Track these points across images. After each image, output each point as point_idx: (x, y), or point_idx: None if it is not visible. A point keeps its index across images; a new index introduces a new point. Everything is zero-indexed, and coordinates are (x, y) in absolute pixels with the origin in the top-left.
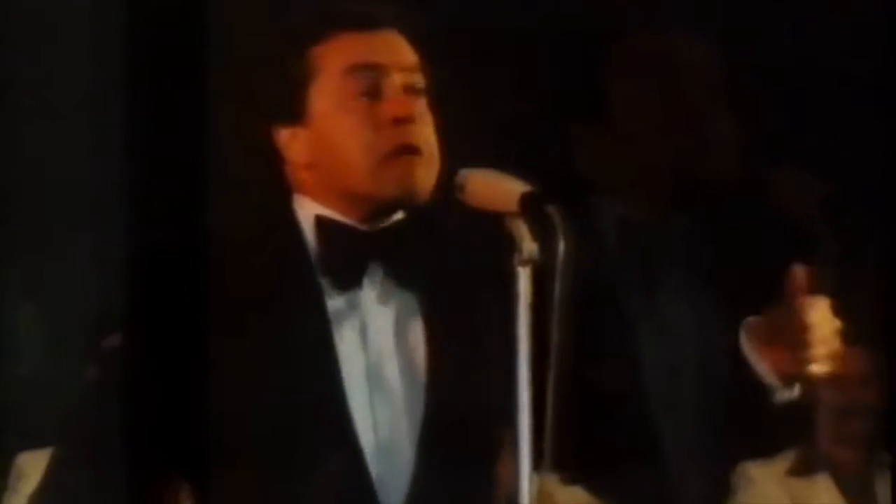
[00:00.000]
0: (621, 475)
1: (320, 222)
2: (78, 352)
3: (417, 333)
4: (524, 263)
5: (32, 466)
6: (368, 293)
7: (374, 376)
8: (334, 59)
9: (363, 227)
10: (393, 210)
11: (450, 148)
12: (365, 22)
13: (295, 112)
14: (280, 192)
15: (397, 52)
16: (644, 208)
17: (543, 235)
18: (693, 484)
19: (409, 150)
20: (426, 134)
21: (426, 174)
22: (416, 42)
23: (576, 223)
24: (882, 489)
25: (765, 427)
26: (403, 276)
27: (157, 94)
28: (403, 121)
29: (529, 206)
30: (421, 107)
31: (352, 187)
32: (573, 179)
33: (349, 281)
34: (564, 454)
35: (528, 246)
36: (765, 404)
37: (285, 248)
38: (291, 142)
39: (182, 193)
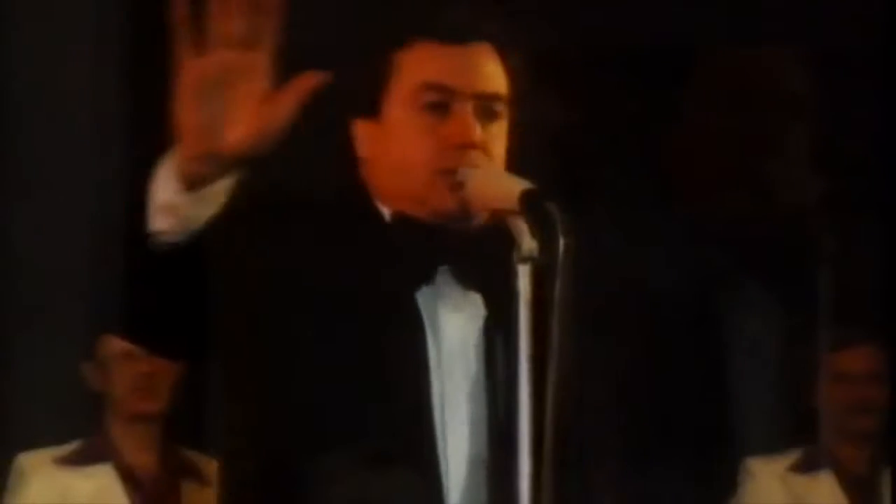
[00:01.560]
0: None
1: (395, 217)
2: (78, 352)
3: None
4: (524, 261)
5: (32, 466)
6: (439, 293)
7: (440, 378)
8: (413, 70)
9: (434, 227)
10: (448, 221)
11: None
12: (455, 35)
13: (371, 107)
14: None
15: (477, 76)
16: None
17: (543, 233)
18: (695, 479)
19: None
20: (492, 157)
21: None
22: (509, 58)
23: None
24: (886, 488)
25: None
26: (470, 280)
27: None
28: (466, 146)
29: (529, 204)
30: (492, 130)
31: (406, 192)
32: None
33: (420, 278)
34: (565, 453)
35: (528, 243)
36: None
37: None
38: (362, 135)
39: None
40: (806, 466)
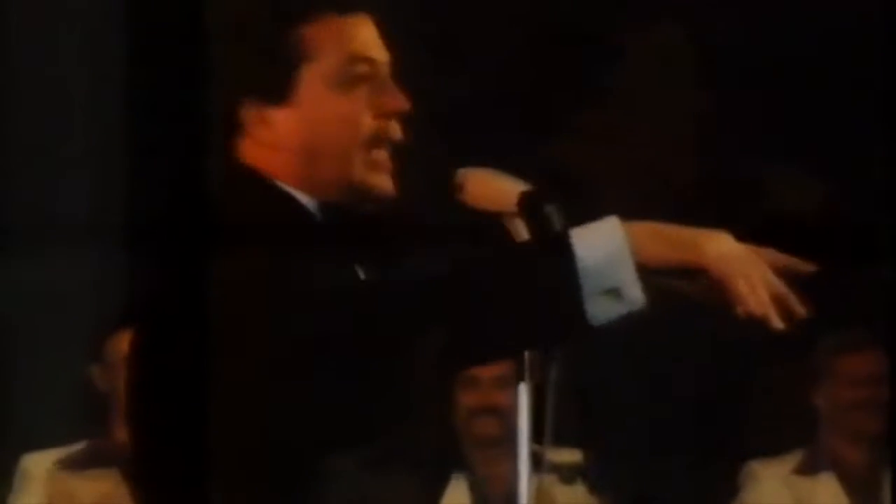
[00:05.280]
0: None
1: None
2: (80, 352)
3: None
4: None
5: (37, 468)
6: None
7: None
8: (331, 45)
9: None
10: (371, 200)
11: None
12: (349, 6)
13: (282, 91)
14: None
15: (380, 45)
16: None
17: (541, 234)
18: (697, 481)
19: (397, 146)
20: None
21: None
22: (387, 31)
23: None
24: (888, 490)
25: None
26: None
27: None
28: (400, 113)
29: (528, 206)
30: None
31: (337, 174)
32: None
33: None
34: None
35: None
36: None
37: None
38: (270, 121)
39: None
40: (809, 469)
